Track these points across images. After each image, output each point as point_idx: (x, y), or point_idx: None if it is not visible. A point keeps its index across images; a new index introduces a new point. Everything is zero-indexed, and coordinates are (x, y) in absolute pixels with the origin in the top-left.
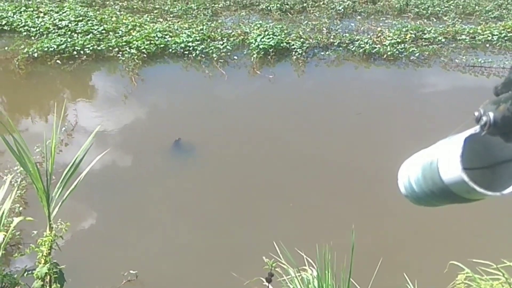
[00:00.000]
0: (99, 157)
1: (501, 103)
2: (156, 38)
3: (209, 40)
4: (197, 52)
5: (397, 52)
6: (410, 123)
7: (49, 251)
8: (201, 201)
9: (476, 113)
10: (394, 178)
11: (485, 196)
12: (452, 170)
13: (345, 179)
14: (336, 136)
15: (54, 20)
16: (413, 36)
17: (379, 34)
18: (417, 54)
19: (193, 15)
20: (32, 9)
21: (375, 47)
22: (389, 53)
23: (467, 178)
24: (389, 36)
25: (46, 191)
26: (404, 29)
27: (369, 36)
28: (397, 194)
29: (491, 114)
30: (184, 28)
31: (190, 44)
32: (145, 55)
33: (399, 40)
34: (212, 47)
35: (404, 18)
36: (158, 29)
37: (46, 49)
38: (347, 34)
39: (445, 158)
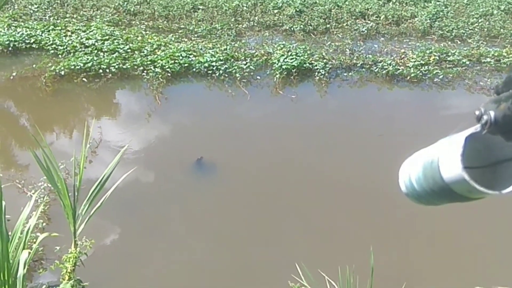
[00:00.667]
0: (125, 175)
1: (502, 101)
2: (181, 58)
3: (232, 60)
4: (221, 71)
5: (420, 74)
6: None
7: (73, 267)
8: (222, 220)
9: (477, 112)
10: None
11: (485, 195)
12: (452, 168)
13: (365, 201)
14: (357, 158)
15: (81, 39)
16: (437, 58)
17: (403, 55)
18: (441, 76)
19: (217, 35)
20: (60, 28)
21: (399, 69)
22: (412, 75)
23: (467, 177)
24: (412, 58)
25: (73, 208)
26: (428, 51)
27: (392, 58)
28: (419, 215)
29: (492, 113)
30: (208, 48)
31: (213, 63)
32: (169, 74)
33: (423, 62)
34: (236, 67)
35: (428, 40)
36: (182, 49)
37: (72, 67)
38: (370, 56)
39: (445, 157)
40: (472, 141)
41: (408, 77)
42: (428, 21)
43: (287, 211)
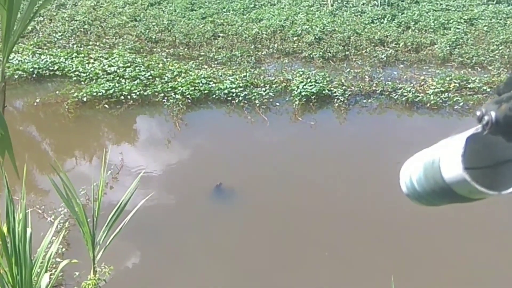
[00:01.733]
0: (142, 201)
1: (503, 102)
2: (201, 84)
3: (252, 86)
4: (240, 98)
5: (440, 101)
6: None
7: None
8: (242, 247)
9: (478, 113)
10: (432, 228)
11: (486, 196)
12: (453, 169)
13: (384, 228)
14: (376, 185)
15: (104, 66)
16: (457, 85)
17: (422, 82)
18: (461, 104)
19: (237, 62)
20: (83, 55)
21: (418, 96)
22: (432, 102)
23: (468, 178)
24: (432, 85)
25: (92, 235)
26: (448, 78)
27: (412, 85)
28: (441, 243)
29: (493, 114)
30: (228, 74)
31: (233, 90)
32: (189, 101)
33: (443, 89)
34: (255, 94)
35: (447, 67)
36: (202, 76)
37: (95, 93)
38: (389, 82)
39: (446, 157)
40: (473, 142)
41: (428, 104)
42: (448, 48)
43: (307, 238)
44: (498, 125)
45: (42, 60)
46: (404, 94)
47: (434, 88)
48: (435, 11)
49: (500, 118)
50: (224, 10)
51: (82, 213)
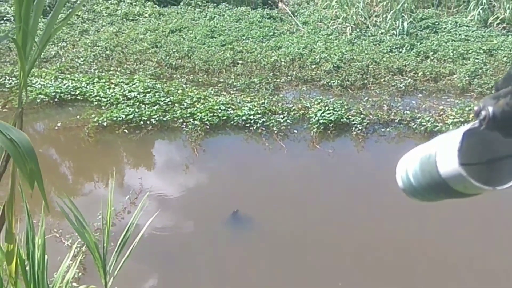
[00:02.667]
0: (146, 225)
1: (500, 97)
2: (219, 111)
3: (270, 113)
4: (258, 124)
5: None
6: (471, 202)
7: None
8: (254, 275)
9: (476, 108)
10: (450, 262)
11: (482, 191)
12: (449, 164)
13: (400, 262)
14: (393, 216)
15: (124, 91)
16: None
17: (441, 112)
18: None
19: (256, 89)
20: (104, 80)
21: (437, 126)
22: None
23: (464, 173)
24: (451, 115)
25: (103, 261)
26: (467, 108)
27: (430, 114)
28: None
29: (490, 109)
30: (247, 101)
31: (251, 117)
32: (207, 127)
33: (462, 120)
34: (273, 121)
35: (467, 97)
36: (221, 102)
37: (115, 118)
38: (408, 112)
39: (443, 152)
40: (470, 137)
41: None
42: (467, 78)
43: (322, 268)
44: (495, 120)
45: (64, 84)
46: (423, 123)
47: (453, 118)
48: (454, 41)
49: (497, 113)
50: (244, 37)
51: (92, 239)
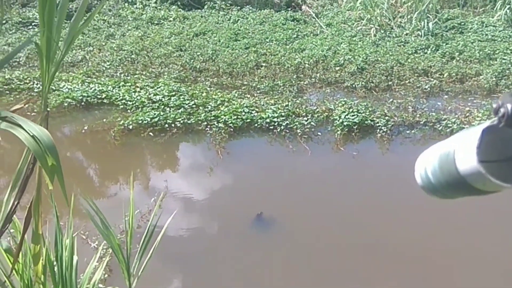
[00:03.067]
0: (165, 225)
1: None
2: (243, 113)
3: (293, 116)
4: (282, 127)
5: None
6: (497, 203)
7: None
8: (279, 278)
9: (495, 105)
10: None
11: (501, 189)
12: (468, 161)
13: (424, 264)
14: (418, 220)
15: (149, 94)
16: None
17: (468, 114)
18: None
19: (279, 91)
20: (130, 84)
21: (463, 127)
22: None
23: (483, 170)
24: (478, 116)
25: (126, 263)
26: None
27: (456, 116)
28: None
29: (509, 106)
30: (270, 104)
31: (275, 119)
32: (231, 129)
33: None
34: (297, 123)
35: (493, 98)
36: (245, 105)
37: (140, 121)
38: (433, 113)
39: (462, 150)
40: (489, 134)
41: None
42: (494, 79)
43: (345, 271)
44: None
45: (91, 88)
46: (449, 125)
47: (480, 120)
48: (480, 41)
49: None
50: (267, 40)
51: (115, 241)
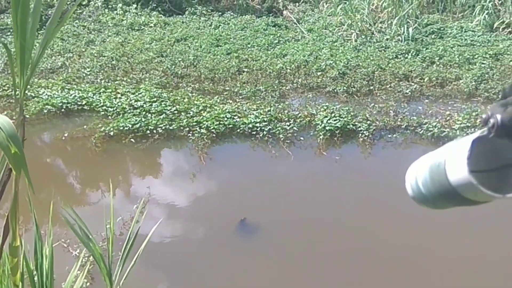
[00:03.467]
0: (150, 233)
1: (508, 105)
2: (225, 119)
3: (276, 121)
4: (264, 132)
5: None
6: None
7: None
8: (263, 283)
9: (484, 115)
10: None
11: (492, 199)
12: (459, 172)
13: (408, 270)
14: (401, 223)
15: (130, 100)
16: None
17: (448, 117)
18: None
19: (261, 97)
20: (110, 90)
21: (444, 131)
22: (458, 137)
23: (474, 181)
24: (458, 120)
25: (108, 271)
26: (474, 113)
27: (437, 120)
28: None
29: (499, 116)
30: (252, 109)
31: (257, 124)
32: (214, 135)
33: (469, 124)
34: (279, 128)
35: (473, 102)
36: (227, 110)
37: (121, 128)
38: (414, 117)
39: (452, 160)
40: (479, 145)
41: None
42: (474, 83)
43: (328, 276)
44: (503, 128)
45: (71, 95)
46: (430, 129)
47: (460, 123)
48: (460, 46)
49: (506, 120)
50: (249, 45)
51: (97, 249)
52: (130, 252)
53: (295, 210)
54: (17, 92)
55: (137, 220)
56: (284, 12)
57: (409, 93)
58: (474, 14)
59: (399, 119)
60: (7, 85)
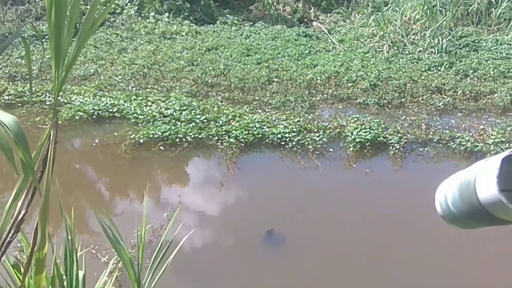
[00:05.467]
0: (180, 243)
1: None
2: (254, 128)
3: (305, 131)
4: (293, 143)
5: (501, 151)
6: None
7: None
8: None
9: None
10: None
11: None
12: (489, 190)
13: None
14: (431, 238)
15: (161, 108)
16: None
17: (482, 132)
18: None
19: (291, 107)
20: (141, 98)
21: (477, 145)
22: (492, 152)
23: (505, 200)
24: (492, 135)
25: (137, 278)
26: (508, 128)
27: (470, 134)
28: None
29: None
30: (282, 119)
31: (286, 135)
32: (242, 144)
33: (504, 139)
34: (308, 139)
35: (508, 116)
36: (256, 120)
37: (151, 135)
38: (447, 131)
39: (482, 179)
40: (509, 163)
41: (488, 155)
42: (509, 97)
43: None
44: None
45: (103, 102)
46: (463, 143)
47: (494, 138)
48: (495, 59)
49: None
50: (279, 56)
51: (127, 255)
52: (161, 259)
53: (323, 222)
54: (48, 96)
55: (167, 228)
56: (315, 22)
57: (442, 106)
58: (509, 27)
59: (431, 133)
60: (41, 91)
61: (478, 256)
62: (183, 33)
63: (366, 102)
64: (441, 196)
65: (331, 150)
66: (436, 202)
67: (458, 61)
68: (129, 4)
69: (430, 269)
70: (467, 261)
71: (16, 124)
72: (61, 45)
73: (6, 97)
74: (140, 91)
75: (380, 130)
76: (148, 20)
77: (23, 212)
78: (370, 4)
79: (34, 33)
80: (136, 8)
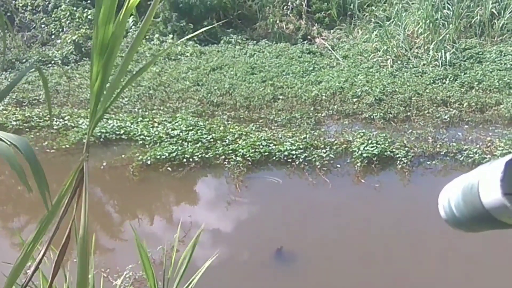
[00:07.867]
0: (207, 263)
1: None
2: (261, 146)
3: (312, 148)
4: (300, 160)
5: None
6: None
7: None
8: None
9: None
10: None
11: None
12: (492, 194)
13: None
14: (441, 253)
15: (167, 129)
16: None
17: (489, 143)
18: None
19: (297, 124)
20: (147, 119)
21: (485, 157)
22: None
23: (508, 203)
24: (500, 146)
25: None
26: None
27: (478, 146)
28: None
29: None
30: (288, 136)
31: (293, 152)
32: (249, 163)
33: (511, 150)
34: (315, 155)
35: None
36: (263, 138)
37: (158, 156)
38: (454, 144)
39: (485, 182)
40: None
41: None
42: None
43: None
44: None
45: (109, 124)
46: (470, 155)
47: (502, 149)
48: (499, 70)
49: None
50: (284, 73)
51: (152, 274)
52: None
53: (333, 239)
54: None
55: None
56: (317, 39)
57: (448, 118)
58: None
59: (438, 146)
60: (48, 116)
61: (495, 275)
62: (188, 54)
63: (371, 117)
64: (444, 199)
65: (338, 166)
66: (439, 205)
67: (462, 73)
68: (133, 27)
69: (443, 280)
70: (484, 278)
71: (26, 145)
72: (103, 87)
73: (14, 123)
74: (147, 113)
75: (386, 144)
76: (152, 42)
77: (44, 249)
78: (372, 19)
79: (40, 58)
80: None
